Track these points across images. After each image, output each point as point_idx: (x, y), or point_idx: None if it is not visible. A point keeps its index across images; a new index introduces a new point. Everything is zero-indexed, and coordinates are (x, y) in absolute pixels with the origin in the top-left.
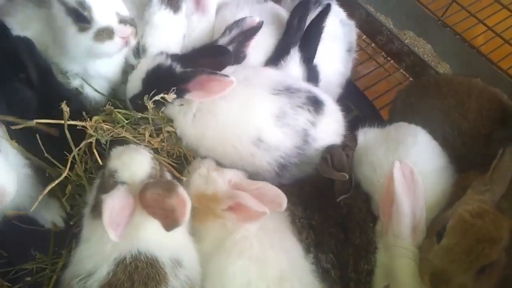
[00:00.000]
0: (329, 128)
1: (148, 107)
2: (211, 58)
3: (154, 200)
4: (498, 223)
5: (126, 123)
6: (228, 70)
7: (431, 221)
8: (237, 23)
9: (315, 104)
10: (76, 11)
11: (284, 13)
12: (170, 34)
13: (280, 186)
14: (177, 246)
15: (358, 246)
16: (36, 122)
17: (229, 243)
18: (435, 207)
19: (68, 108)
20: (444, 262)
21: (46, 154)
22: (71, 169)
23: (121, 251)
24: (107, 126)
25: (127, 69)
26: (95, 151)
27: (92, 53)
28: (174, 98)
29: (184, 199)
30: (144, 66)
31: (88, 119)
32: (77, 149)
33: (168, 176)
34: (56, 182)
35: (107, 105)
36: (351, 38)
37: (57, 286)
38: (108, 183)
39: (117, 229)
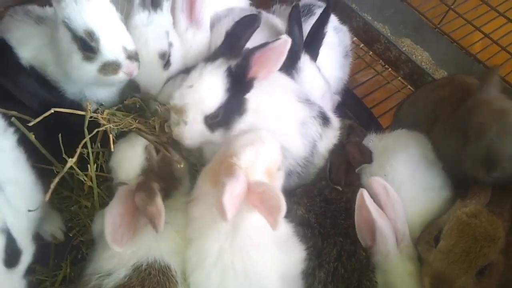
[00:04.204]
0: (329, 144)
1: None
2: (247, 32)
3: (140, 204)
4: (494, 222)
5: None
6: None
7: (425, 227)
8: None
9: (324, 118)
10: (83, 40)
11: (278, 22)
12: (154, 35)
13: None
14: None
15: (363, 262)
16: (54, 110)
17: (208, 263)
18: (422, 221)
19: None
20: (443, 264)
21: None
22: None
23: (139, 257)
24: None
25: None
26: (111, 142)
27: (94, 82)
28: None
29: (159, 209)
30: (214, 74)
31: (101, 111)
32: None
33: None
34: (64, 171)
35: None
36: (346, 43)
37: None
38: (113, 185)
39: (122, 240)
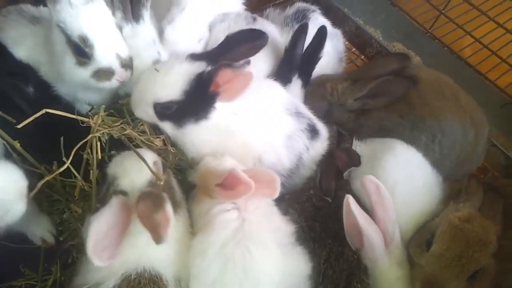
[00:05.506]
0: (317, 157)
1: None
2: (246, 43)
3: (144, 212)
4: (486, 227)
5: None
6: None
7: (417, 230)
8: None
9: (313, 131)
10: (77, 45)
11: (274, 29)
12: (143, 45)
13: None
14: (181, 265)
15: (352, 263)
16: (46, 111)
17: (211, 252)
18: (416, 224)
19: None
20: (435, 268)
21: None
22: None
23: (128, 267)
24: (110, 125)
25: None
26: (98, 149)
27: (87, 86)
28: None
29: (168, 216)
30: (182, 71)
31: (91, 116)
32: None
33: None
34: (59, 171)
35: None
36: (340, 47)
37: None
38: (107, 193)
39: (103, 254)
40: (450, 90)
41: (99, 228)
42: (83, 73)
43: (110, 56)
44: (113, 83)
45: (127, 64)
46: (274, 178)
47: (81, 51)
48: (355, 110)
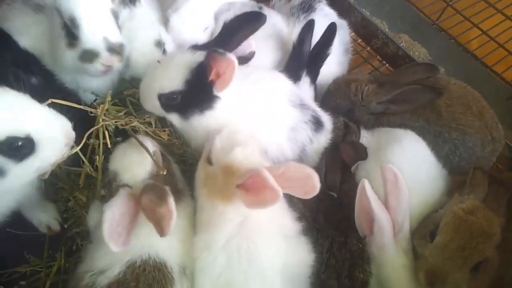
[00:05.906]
0: (320, 148)
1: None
2: (245, 27)
3: (148, 205)
4: (490, 219)
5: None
6: (243, 70)
7: (421, 221)
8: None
9: (317, 123)
10: (67, 26)
11: (279, 20)
12: (141, 26)
13: None
14: (185, 253)
15: (355, 253)
16: (52, 101)
17: (216, 247)
18: (419, 215)
19: None
20: (439, 259)
21: None
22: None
23: (133, 254)
24: (115, 115)
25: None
26: (106, 136)
27: (76, 69)
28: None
29: (171, 210)
30: (183, 61)
31: (98, 105)
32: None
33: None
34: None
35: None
36: (346, 38)
37: None
38: (112, 187)
39: (119, 240)
40: (476, 105)
41: (112, 216)
42: (72, 56)
43: (95, 38)
44: (97, 66)
45: (115, 50)
46: (310, 174)
47: (70, 32)
48: (377, 112)
